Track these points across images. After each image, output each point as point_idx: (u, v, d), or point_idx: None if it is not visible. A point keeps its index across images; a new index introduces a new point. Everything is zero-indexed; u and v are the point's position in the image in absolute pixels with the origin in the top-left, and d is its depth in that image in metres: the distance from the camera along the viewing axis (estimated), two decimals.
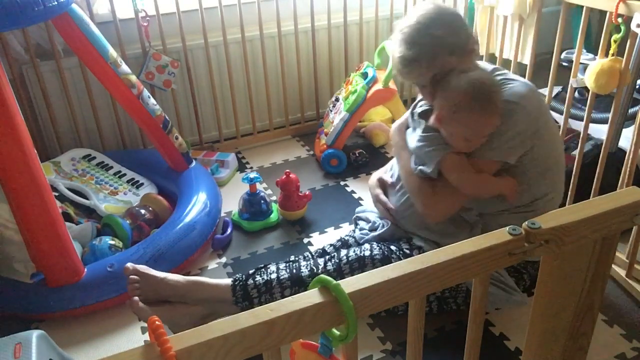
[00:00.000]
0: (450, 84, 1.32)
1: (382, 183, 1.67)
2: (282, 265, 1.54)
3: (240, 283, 1.50)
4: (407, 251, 1.50)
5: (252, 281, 1.50)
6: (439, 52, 1.35)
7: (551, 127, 1.43)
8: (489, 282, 0.88)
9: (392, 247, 1.51)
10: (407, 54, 1.37)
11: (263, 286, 1.49)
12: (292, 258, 1.61)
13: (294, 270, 1.51)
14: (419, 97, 1.56)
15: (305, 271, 1.50)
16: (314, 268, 1.51)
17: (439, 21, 1.37)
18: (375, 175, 1.71)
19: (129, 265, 1.49)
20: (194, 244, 1.83)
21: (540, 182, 1.43)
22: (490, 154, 1.36)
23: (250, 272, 1.53)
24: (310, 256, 1.62)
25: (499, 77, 1.42)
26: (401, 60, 1.39)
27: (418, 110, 1.48)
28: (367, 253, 1.50)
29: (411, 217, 1.54)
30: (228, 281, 1.52)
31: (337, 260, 1.51)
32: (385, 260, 1.46)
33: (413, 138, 1.46)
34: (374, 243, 1.54)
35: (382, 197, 1.64)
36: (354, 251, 1.52)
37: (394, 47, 1.41)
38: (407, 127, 1.55)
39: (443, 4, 1.41)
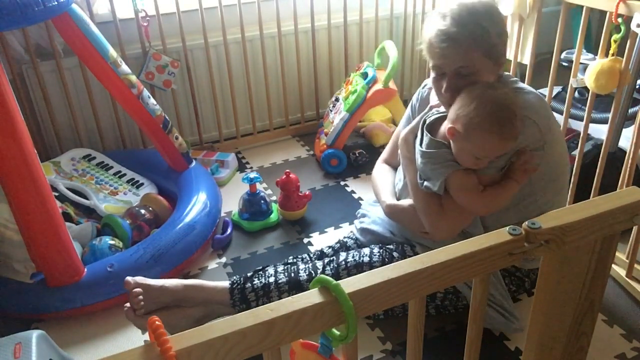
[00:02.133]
0: (469, 99, 1.25)
1: None
2: (280, 269, 1.53)
3: (238, 286, 1.50)
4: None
5: (249, 284, 1.50)
6: (478, 46, 1.26)
7: (558, 138, 1.38)
8: (489, 282, 0.88)
9: (394, 254, 1.49)
10: (450, 30, 1.25)
11: (261, 290, 1.49)
12: (291, 260, 1.60)
13: (292, 274, 1.50)
14: (432, 100, 1.50)
15: (303, 275, 1.50)
16: (312, 272, 1.50)
17: (492, 17, 1.28)
18: (391, 200, 1.55)
19: (129, 279, 1.47)
20: (194, 244, 1.83)
21: (547, 193, 1.40)
22: (495, 170, 1.32)
23: (249, 274, 1.53)
24: (308, 259, 1.61)
25: (511, 86, 1.36)
26: (440, 34, 1.26)
27: (429, 118, 1.40)
28: (367, 259, 1.49)
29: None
30: (226, 284, 1.52)
31: (336, 265, 1.50)
32: None
33: (417, 152, 1.39)
34: (375, 248, 1.52)
35: None
36: (353, 256, 1.50)
37: (433, 20, 1.29)
38: (416, 136, 1.44)
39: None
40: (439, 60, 1.30)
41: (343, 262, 1.49)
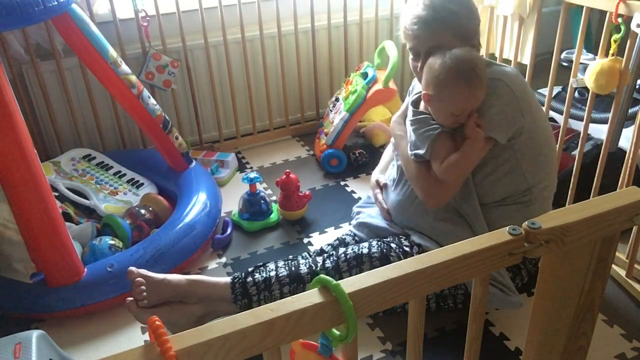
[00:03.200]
0: (433, 62, 1.34)
1: (378, 185, 1.70)
2: (280, 263, 1.54)
3: (240, 281, 1.51)
4: (407, 249, 1.50)
5: (251, 279, 1.51)
6: (447, 27, 1.37)
7: (539, 112, 1.45)
8: (489, 282, 0.88)
9: (392, 245, 1.51)
10: (421, 14, 1.38)
11: (262, 284, 1.50)
12: (291, 257, 1.61)
13: (293, 268, 1.52)
14: (415, 85, 1.59)
15: (304, 269, 1.51)
16: (313, 266, 1.52)
17: (460, 1, 1.40)
18: (374, 175, 1.74)
19: (133, 269, 1.48)
20: (194, 244, 1.83)
21: (534, 168, 1.44)
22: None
23: (250, 270, 1.54)
24: (308, 255, 1.63)
25: (487, 61, 1.45)
26: (412, 18, 1.40)
27: (411, 98, 1.50)
28: (365, 251, 1.50)
29: (414, 213, 1.54)
30: (227, 279, 1.53)
31: (335, 258, 1.51)
32: (384, 258, 1.47)
33: (408, 125, 1.49)
34: (373, 241, 1.54)
35: (380, 197, 1.67)
36: (352, 249, 1.52)
37: (408, 7, 1.43)
38: (406, 117, 1.55)
39: None
40: (412, 41, 1.43)
41: (343, 255, 1.51)
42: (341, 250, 1.53)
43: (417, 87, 1.61)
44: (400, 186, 1.58)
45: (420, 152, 1.41)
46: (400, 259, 1.41)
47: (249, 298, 1.49)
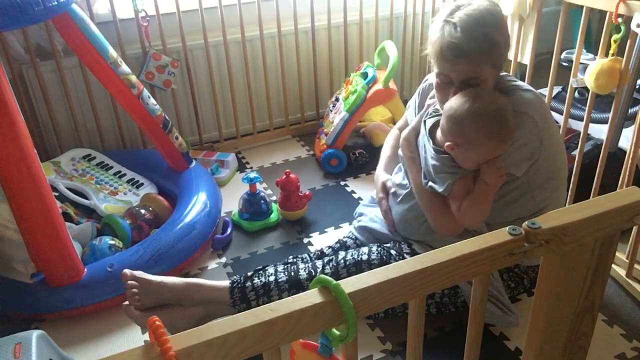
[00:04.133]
0: (461, 114, 1.28)
1: (385, 189, 1.63)
2: (280, 268, 1.53)
3: (238, 285, 1.50)
4: (407, 256, 1.48)
5: (250, 283, 1.50)
6: (487, 59, 1.30)
7: (555, 135, 1.41)
8: (488, 282, 0.88)
9: (392, 252, 1.50)
10: (462, 45, 1.27)
11: (261, 289, 1.49)
12: (290, 260, 1.61)
13: (292, 273, 1.51)
14: (428, 101, 1.53)
15: (303, 274, 1.50)
16: (312, 271, 1.51)
17: (499, 27, 1.31)
18: (381, 173, 1.66)
19: (127, 271, 1.47)
20: (194, 244, 1.83)
21: (544, 190, 1.42)
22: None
23: (249, 274, 1.53)
24: (308, 258, 1.62)
25: (508, 84, 1.40)
26: (453, 48, 1.27)
27: (427, 121, 1.44)
28: (365, 257, 1.49)
29: (419, 226, 1.52)
30: (226, 283, 1.52)
31: (335, 264, 1.50)
32: (383, 265, 1.44)
33: (425, 153, 1.42)
34: (373, 246, 1.53)
35: (384, 204, 1.60)
36: (352, 255, 1.51)
37: (442, 28, 1.30)
38: (417, 134, 1.49)
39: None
40: (449, 72, 1.33)
41: (342, 261, 1.50)
42: (341, 255, 1.52)
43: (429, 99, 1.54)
44: (407, 200, 1.53)
45: (438, 189, 1.37)
46: None
47: (247, 303, 1.49)
